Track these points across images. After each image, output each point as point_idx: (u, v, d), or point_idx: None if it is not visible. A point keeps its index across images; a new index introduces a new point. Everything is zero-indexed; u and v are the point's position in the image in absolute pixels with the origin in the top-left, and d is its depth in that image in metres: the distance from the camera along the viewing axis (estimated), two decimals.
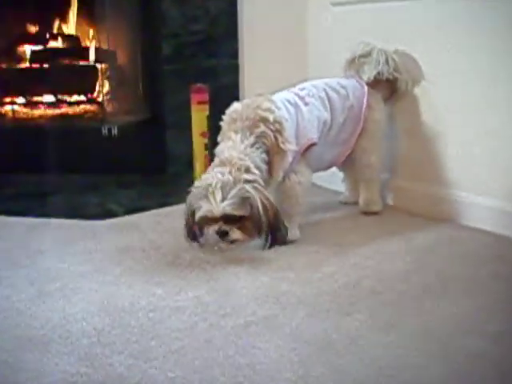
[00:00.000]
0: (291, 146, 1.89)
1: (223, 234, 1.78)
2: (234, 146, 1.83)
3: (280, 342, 1.35)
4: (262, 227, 1.77)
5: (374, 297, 1.58)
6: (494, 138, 1.98)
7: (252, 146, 1.83)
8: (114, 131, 2.64)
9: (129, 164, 2.78)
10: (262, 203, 1.75)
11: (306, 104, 1.99)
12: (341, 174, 2.34)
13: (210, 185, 1.75)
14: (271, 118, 1.86)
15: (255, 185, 1.76)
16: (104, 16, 2.86)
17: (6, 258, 1.89)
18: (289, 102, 1.97)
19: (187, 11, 2.74)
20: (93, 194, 2.57)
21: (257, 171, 1.80)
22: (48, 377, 1.24)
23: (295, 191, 1.95)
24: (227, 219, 1.75)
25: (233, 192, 1.73)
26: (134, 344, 1.36)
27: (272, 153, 1.86)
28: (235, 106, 1.94)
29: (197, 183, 1.83)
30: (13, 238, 2.07)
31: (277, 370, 1.25)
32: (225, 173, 1.75)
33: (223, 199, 1.73)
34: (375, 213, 2.20)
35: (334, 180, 2.40)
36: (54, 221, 2.23)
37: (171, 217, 2.22)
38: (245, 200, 1.74)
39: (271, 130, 1.86)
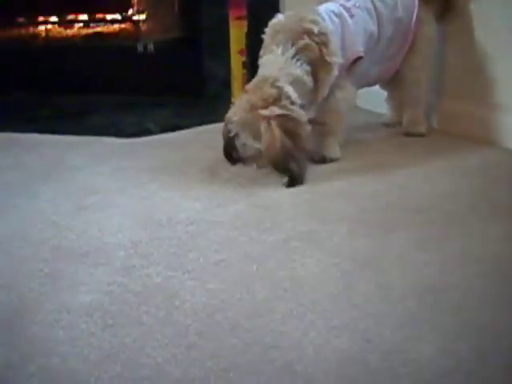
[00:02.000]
0: (337, 59, 1.80)
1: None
2: (274, 59, 1.77)
3: (321, 257, 1.31)
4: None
5: (418, 216, 1.51)
6: None
7: (293, 57, 1.75)
8: (150, 48, 2.56)
9: (165, 83, 2.72)
10: (272, 141, 1.66)
11: (352, 15, 1.88)
12: (384, 94, 2.24)
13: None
14: (316, 29, 1.78)
15: (271, 121, 1.67)
16: None
17: (43, 173, 1.88)
18: (334, 13, 1.88)
19: None
20: (129, 113, 2.53)
21: (292, 94, 1.71)
22: (84, 286, 1.23)
23: (340, 107, 1.88)
24: None
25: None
26: (172, 256, 1.33)
27: (317, 66, 1.78)
28: (279, 17, 1.86)
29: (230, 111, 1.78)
30: (50, 154, 2.05)
31: (318, 283, 1.21)
32: (247, 109, 1.70)
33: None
34: (419, 134, 2.11)
35: (376, 101, 2.30)
36: (90, 138, 2.20)
37: (208, 134, 2.18)
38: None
39: (316, 43, 1.77)
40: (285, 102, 1.69)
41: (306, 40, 1.77)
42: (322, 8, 1.89)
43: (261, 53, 1.85)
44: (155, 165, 1.89)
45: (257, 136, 1.69)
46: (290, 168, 1.70)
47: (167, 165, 1.89)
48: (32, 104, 2.76)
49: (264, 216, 1.51)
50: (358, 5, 1.92)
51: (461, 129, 2.11)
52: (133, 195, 1.67)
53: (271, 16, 1.89)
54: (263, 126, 1.67)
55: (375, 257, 1.32)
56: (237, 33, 2.41)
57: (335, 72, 1.80)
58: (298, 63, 1.75)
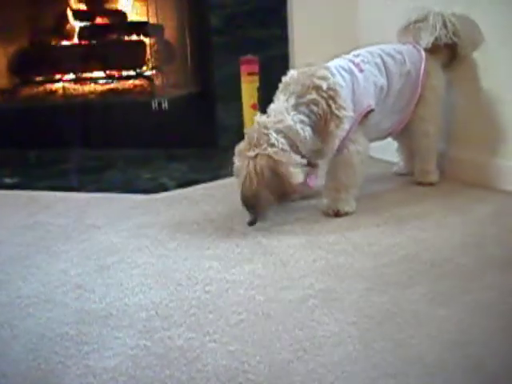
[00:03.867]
0: (347, 113, 1.84)
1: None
2: (275, 107, 1.83)
3: (339, 316, 1.33)
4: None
5: (433, 270, 1.54)
6: None
7: (294, 107, 1.81)
8: (165, 105, 2.63)
9: (179, 138, 2.78)
10: (245, 177, 1.76)
11: (361, 71, 1.94)
12: (395, 144, 2.28)
13: None
14: (325, 85, 1.83)
15: (256, 159, 1.75)
16: None
17: (62, 232, 1.92)
18: (343, 68, 1.93)
19: None
20: (145, 168, 2.58)
21: (275, 140, 1.76)
22: (109, 350, 1.25)
23: (353, 161, 1.91)
24: None
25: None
26: (192, 317, 1.36)
27: (326, 120, 1.82)
28: (291, 72, 1.91)
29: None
30: (69, 213, 2.10)
31: (337, 343, 1.23)
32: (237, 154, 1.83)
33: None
34: (431, 184, 2.15)
35: (386, 150, 2.34)
36: (107, 195, 2.25)
37: (223, 189, 2.22)
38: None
39: (323, 98, 1.81)
40: (265, 146, 1.75)
41: (314, 95, 1.81)
42: (332, 64, 1.94)
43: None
44: (173, 222, 1.93)
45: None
46: (254, 206, 1.78)
47: (184, 222, 1.93)
48: (49, 161, 2.82)
49: (281, 274, 1.54)
50: (366, 60, 1.97)
51: (473, 177, 2.14)
52: (152, 254, 1.71)
53: (282, 72, 1.94)
54: (243, 165, 1.77)
55: (392, 313, 1.34)
56: (249, 88, 2.48)
57: (345, 126, 1.85)
58: (298, 113, 1.80)
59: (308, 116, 1.81)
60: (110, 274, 1.60)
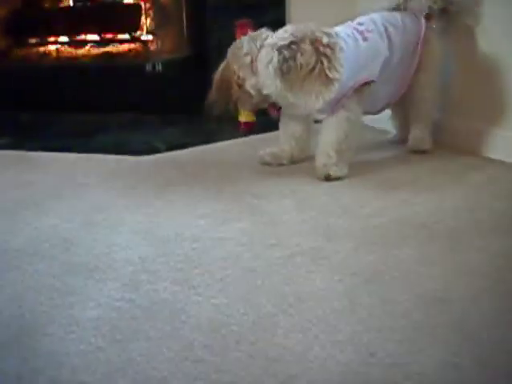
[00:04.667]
0: (339, 75, 1.82)
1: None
2: (275, 34, 1.89)
3: (326, 273, 1.33)
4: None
5: (423, 231, 1.53)
6: None
7: (281, 48, 1.81)
8: (158, 67, 2.61)
9: (173, 102, 2.75)
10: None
11: (365, 39, 1.92)
12: (388, 112, 2.26)
13: None
14: (325, 40, 1.81)
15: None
16: None
17: (52, 190, 1.91)
18: (348, 35, 1.91)
19: None
20: (137, 131, 2.56)
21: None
22: (93, 301, 1.25)
23: (343, 127, 1.89)
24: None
25: None
26: (179, 272, 1.35)
27: (304, 75, 1.81)
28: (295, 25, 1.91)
29: None
30: (59, 172, 2.09)
31: (322, 298, 1.23)
32: None
33: None
34: (424, 151, 2.14)
35: (380, 119, 2.32)
36: (98, 156, 2.24)
37: (214, 153, 2.21)
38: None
39: (318, 52, 1.80)
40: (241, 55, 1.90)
41: (307, 47, 1.80)
42: (338, 29, 1.93)
43: None
44: (162, 183, 1.92)
45: None
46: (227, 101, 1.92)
47: (174, 183, 1.92)
48: (42, 123, 2.80)
49: (269, 232, 1.54)
50: (370, 29, 1.95)
51: (467, 145, 2.13)
52: (141, 213, 1.70)
53: None
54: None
55: (379, 272, 1.33)
56: None
57: (334, 88, 1.82)
58: (278, 54, 1.81)
59: (286, 60, 1.80)
60: (98, 230, 1.59)
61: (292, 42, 1.81)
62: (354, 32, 1.94)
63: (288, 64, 1.79)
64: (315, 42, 1.81)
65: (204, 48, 2.76)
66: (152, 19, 2.93)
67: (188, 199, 1.78)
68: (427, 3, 2.05)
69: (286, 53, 1.80)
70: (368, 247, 1.45)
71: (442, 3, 2.06)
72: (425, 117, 2.13)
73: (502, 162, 2.01)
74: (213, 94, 1.94)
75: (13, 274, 1.38)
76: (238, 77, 1.89)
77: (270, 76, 1.82)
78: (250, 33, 1.93)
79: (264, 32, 1.90)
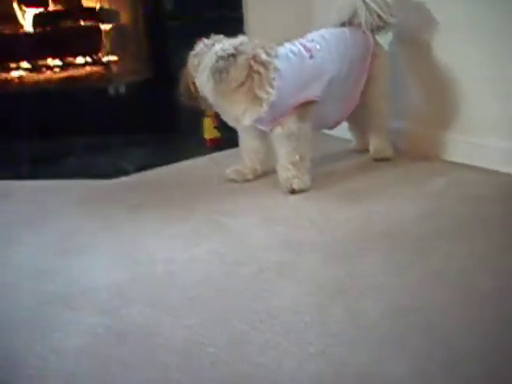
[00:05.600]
0: (265, 95, 1.82)
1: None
2: (225, 42, 1.91)
3: (295, 287, 1.37)
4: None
5: (386, 240, 1.58)
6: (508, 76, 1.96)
7: (223, 58, 1.83)
8: (121, 90, 2.63)
9: (138, 123, 2.77)
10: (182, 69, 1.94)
11: (312, 57, 1.96)
12: (345, 123, 2.31)
13: None
14: (262, 57, 1.83)
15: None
16: None
17: (22, 219, 1.92)
18: (293, 52, 1.95)
19: None
20: (104, 154, 2.57)
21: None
22: (70, 330, 1.27)
23: (286, 143, 1.92)
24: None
25: None
26: (152, 295, 1.38)
27: (235, 88, 1.84)
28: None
29: None
30: (29, 200, 2.09)
31: (294, 313, 1.27)
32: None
33: None
34: (387, 159, 2.19)
35: (341, 128, 2.37)
36: (67, 182, 2.24)
37: (182, 172, 2.24)
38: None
39: (251, 68, 1.82)
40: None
41: (242, 60, 1.82)
42: (283, 47, 1.96)
43: None
44: (132, 205, 1.94)
45: None
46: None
47: (144, 205, 1.94)
48: (6, 150, 2.79)
49: (238, 250, 1.57)
50: (318, 47, 1.99)
51: (426, 151, 2.20)
52: (112, 236, 1.72)
53: None
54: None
55: (347, 284, 1.38)
56: None
57: (263, 108, 1.82)
58: (217, 61, 1.84)
59: (220, 72, 1.82)
60: (70, 257, 1.61)
61: (231, 54, 1.84)
62: (302, 49, 1.97)
63: (221, 74, 1.82)
64: (251, 58, 1.83)
65: (166, 68, 2.78)
66: (113, 41, 2.95)
67: (159, 220, 1.81)
68: (369, 21, 2.10)
69: (221, 63, 1.83)
70: (335, 259, 1.49)
71: (380, 21, 2.11)
72: (380, 127, 2.19)
73: (461, 165, 2.07)
74: (180, 89, 2.01)
75: None
76: (192, 77, 1.94)
77: (205, 80, 1.86)
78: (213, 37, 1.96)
79: (220, 39, 1.93)
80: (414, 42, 2.20)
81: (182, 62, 2.57)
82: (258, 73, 1.83)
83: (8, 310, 1.37)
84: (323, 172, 2.10)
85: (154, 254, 1.59)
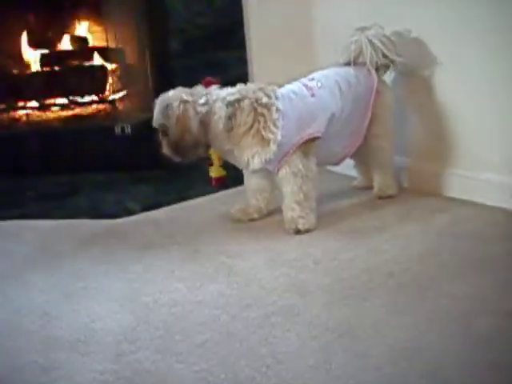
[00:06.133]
0: (272, 136, 1.89)
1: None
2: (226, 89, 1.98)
3: (301, 331, 1.38)
4: (171, 139, 1.95)
5: (390, 280, 1.60)
6: (507, 113, 1.99)
7: (229, 104, 1.91)
8: (128, 130, 2.66)
9: (144, 161, 2.80)
10: (178, 116, 1.91)
11: (313, 95, 2.00)
12: (351, 160, 2.34)
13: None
14: (264, 100, 1.90)
15: (187, 105, 1.92)
16: (110, 14, 2.88)
17: (28, 261, 1.93)
18: (294, 92, 1.99)
19: (192, 5, 2.75)
20: (110, 192, 2.60)
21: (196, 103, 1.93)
22: (78, 375, 1.29)
23: (292, 182, 1.94)
24: (162, 132, 1.99)
25: (165, 102, 1.96)
26: (159, 339, 1.40)
27: (244, 132, 1.91)
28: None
29: None
30: (36, 241, 2.11)
31: (299, 358, 1.29)
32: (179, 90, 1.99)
33: (157, 110, 1.99)
34: (390, 196, 2.21)
35: (346, 165, 2.40)
36: (73, 222, 2.26)
37: (188, 211, 2.26)
38: (166, 109, 1.94)
39: (256, 111, 1.90)
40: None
41: (245, 103, 1.90)
42: (284, 87, 2.00)
43: None
44: (138, 246, 1.97)
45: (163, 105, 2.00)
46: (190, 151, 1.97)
47: (150, 245, 1.96)
48: (13, 188, 2.82)
49: (244, 293, 1.59)
50: (320, 85, 2.03)
51: (430, 186, 2.22)
52: (119, 279, 1.74)
53: None
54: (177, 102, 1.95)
55: (351, 326, 1.39)
56: None
57: (272, 149, 1.89)
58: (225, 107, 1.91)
59: (229, 118, 1.90)
60: (77, 301, 1.63)
61: (236, 100, 1.91)
62: (303, 88, 2.01)
63: (231, 120, 1.90)
64: (254, 102, 1.90)
65: None
66: (118, 80, 3.00)
67: (165, 262, 1.83)
68: (374, 60, 2.14)
69: (230, 109, 1.90)
70: (340, 301, 1.51)
71: (386, 60, 2.15)
72: (384, 165, 2.21)
73: (462, 201, 2.09)
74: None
75: None
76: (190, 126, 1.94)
77: (219, 128, 1.92)
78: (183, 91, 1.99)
79: (199, 91, 1.98)
80: (415, 78, 2.23)
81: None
82: (262, 115, 1.88)
83: (14, 356, 1.39)
84: (327, 210, 2.12)
85: (161, 296, 1.61)
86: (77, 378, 1.28)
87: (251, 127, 1.90)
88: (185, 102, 1.92)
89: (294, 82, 2.05)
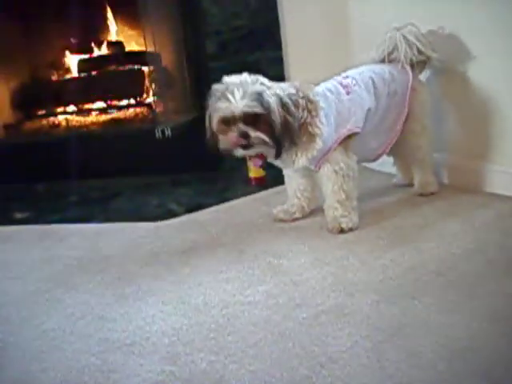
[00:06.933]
0: (319, 131, 1.90)
1: (245, 135, 1.83)
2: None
3: (352, 330, 1.40)
4: (276, 128, 1.82)
5: (438, 279, 1.60)
6: None
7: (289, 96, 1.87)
8: (168, 132, 2.70)
9: (184, 163, 2.84)
10: (276, 103, 1.82)
11: (349, 93, 2.01)
12: (391, 158, 2.34)
13: (228, 84, 1.86)
14: (310, 96, 1.91)
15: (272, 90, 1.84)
16: (146, 18, 2.91)
17: (78, 265, 1.98)
18: (330, 90, 2.00)
19: (227, 7, 2.78)
20: (152, 195, 2.64)
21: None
22: (135, 377, 1.32)
23: (333, 180, 1.95)
24: (246, 120, 1.82)
25: (251, 89, 1.82)
26: (212, 340, 1.42)
27: (304, 130, 1.90)
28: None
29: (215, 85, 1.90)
30: (81, 245, 2.16)
31: (352, 357, 1.30)
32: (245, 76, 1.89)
33: (243, 97, 1.81)
34: (432, 193, 2.21)
35: (385, 162, 2.40)
36: (119, 225, 2.31)
37: (230, 212, 2.29)
38: (261, 97, 1.81)
39: (306, 107, 1.89)
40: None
41: (300, 100, 1.89)
42: (320, 87, 2.02)
43: None
44: (184, 248, 2.00)
45: (256, 93, 1.86)
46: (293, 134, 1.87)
47: (196, 247, 1.99)
48: (58, 192, 2.89)
49: (293, 292, 1.61)
50: (354, 82, 2.04)
51: (470, 183, 2.22)
52: (168, 281, 1.77)
53: None
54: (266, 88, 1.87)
55: (402, 324, 1.40)
56: None
57: (318, 145, 1.90)
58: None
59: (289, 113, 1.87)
60: (129, 303, 1.66)
61: (293, 94, 1.89)
62: (338, 86, 2.02)
63: (288, 117, 1.85)
64: (304, 97, 1.90)
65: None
66: (156, 83, 3.04)
67: (212, 263, 1.86)
68: (409, 56, 2.14)
69: (289, 104, 1.86)
70: (388, 300, 1.52)
71: (421, 56, 2.16)
72: (423, 162, 2.21)
73: (504, 197, 2.08)
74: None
75: (54, 356, 1.45)
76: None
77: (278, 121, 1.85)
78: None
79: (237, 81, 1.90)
80: (452, 74, 2.23)
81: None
82: (310, 111, 1.89)
83: (72, 358, 1.43)
84: (369, 208, 2.13)
85: (210, 297, 1.63)
86: (135, 380, 1.31)
87: (304, 123, 1.89)
88: (268, 88, 1.86)
89: (329, 81, 2.07)
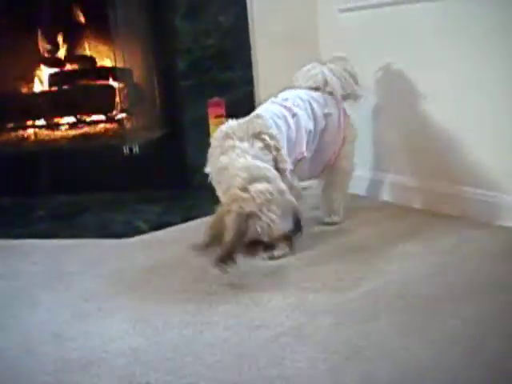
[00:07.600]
0: (288, 165, 1.90)
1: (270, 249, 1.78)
2: (244, 151, 1.79)
3: (310, 352, 1.40)
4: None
5: (398, 301, 1.61)
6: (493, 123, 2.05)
7: (262, 150, 1.83)
8: (136, 149, 2.69)
9: (152, 180, 2.84)
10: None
11: (294, 115, 2.02)
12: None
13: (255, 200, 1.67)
14: (269, 131, 1.88)
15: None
16: (117, 34, 2.91)
17: (39, 281, 1.95)
18: (277, 116, 1.98)
19: (199, 26, 2.79)
20: (119, 211, 2.62)
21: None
22: None
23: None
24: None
25: (284, 207, 1.70)
26: (170, 361, 1.41)
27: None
28: (229, 122, 1.92)
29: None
30: (45, 261, 2.14)
31: (308, 380, 1.30)
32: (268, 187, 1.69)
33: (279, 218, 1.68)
34: (335, 223, 2.21)
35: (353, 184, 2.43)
36: (83, 241, 2.29)
37: (196, 231, 2.26)
38: (296, 215, 1.74)
39: (272, 145, 1.87)
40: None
41: (267, 139, 1.85)
42: (264, 111, 1.99)
43: (209, 156, 1.91)
44: (148, 266, 1.99)
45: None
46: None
47: (159, 266, 1.98)
48: (23, 207, 2.86)
49: (253, 313, 1.61)
50: (296, 104, 2.06)
51: (435, 206, 2.25)
52: (129, 299, 1.75)
53: (248, 113, 2.00)
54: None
55: (360, 348, 1.40)
56: (216, 130, 2.54)
57: (288, 178, 1.88)
58: (268, 157, 1.84)
59: (271, 160, 1.86)
60: (88, 322, 1.64)
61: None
62: (282, 109, 2.02)
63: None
64: (266, 135, 1.86)
65: (178, 125, 2.86)
66: (126, 99, 3.03)
67: (175, 282, 1.85)
68: (340, 88, 2.20)
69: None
70: (347, 322, 1.52)
71: (350, 89, 2.23)
72: (341, 186, 2.23)
73: (471, 221, 2.10)
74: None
75: (7, 374, 1.42)
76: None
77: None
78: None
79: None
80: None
81: (193, 120, 2.66)
82: (276, 149, 1.88)
83: (27, 377, 1.40)
84: (334, 229, 2.14)
85: (170, 317, 1.62)
86: None
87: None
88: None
89: (270, 104, 2.07)
